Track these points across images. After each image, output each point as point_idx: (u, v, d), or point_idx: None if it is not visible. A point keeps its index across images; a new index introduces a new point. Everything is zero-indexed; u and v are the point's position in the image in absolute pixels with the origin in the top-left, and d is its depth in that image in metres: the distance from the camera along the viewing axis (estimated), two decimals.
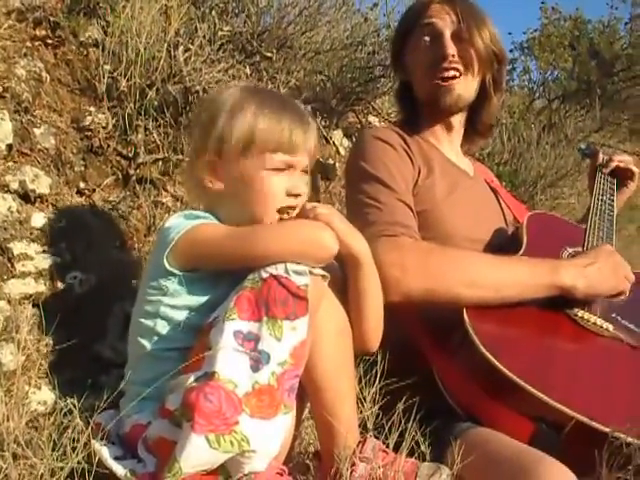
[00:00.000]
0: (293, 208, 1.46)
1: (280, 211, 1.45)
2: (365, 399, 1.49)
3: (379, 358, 1.50)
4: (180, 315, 1.37)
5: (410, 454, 1.40)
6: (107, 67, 2.10)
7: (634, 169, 2.23)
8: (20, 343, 1.38)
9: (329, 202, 2.63)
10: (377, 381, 1.50)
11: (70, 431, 1.24)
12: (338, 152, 3.03)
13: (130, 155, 2.09)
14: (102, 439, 1.28)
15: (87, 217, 1.90)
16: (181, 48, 2.23)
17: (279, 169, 1.45)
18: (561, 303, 1.69)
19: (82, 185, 1.93)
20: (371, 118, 3.26)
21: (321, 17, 2.84)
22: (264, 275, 1.29)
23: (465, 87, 1.92)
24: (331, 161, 2.94)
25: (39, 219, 1.78)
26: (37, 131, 1.88)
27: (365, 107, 3.24)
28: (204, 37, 2.33)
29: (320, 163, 2.83)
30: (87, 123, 2.01)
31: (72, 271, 1.78)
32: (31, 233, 1.75)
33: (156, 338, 1.38)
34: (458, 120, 1.99)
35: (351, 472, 1.37)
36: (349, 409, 1.43)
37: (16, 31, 2.00)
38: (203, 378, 1.22)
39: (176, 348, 1.35)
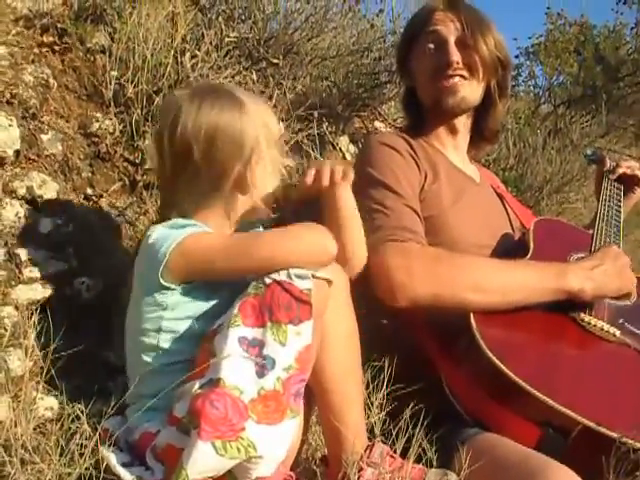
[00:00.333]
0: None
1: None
2: (372, 404, 1.48)
3: (386, 364, 1.50)
4: (183, 326, 1.36)
5: (417, 460, 1.40)
6: (114, 73, 2.10)
7: None
8: (27, 349, 1.39)
9: None
10: (384, 387, 1.49)
11: (78, 437, 1.24)
12: (344, 158, 3.03)
13: (137, 161, 2.09)
14: (110, 445, 1.28)
15: (94, 223, 1.90)
16: (188, 54, 2.24)
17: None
18: (568, 308, 1.69)
19: (89, 191, 1.93)
20: (377, 124, 3.26)
21: (327, 23, 2.85)
22: (267, 281, 1.29)
23: (469, 90, 1.92)
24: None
25: (46, 225, 1.78)
26: (44, 137, 1.88)
27: (371, 113, 3.24)
28: (211, 43, 2.34)
29: None
30: (94, 129, 2.01)
31: (79, 277, 1.78)
32: (38, 239, 1.75)
33: (160, 353, 1.37)
34: (462, 123, 2.00)
35: (358, 477, 1.37)
36: (357, 414, 1.43)
37: (24, 38, 2.00)
38: (208, 385, 1.22)
39: (181, 361, 1.34)
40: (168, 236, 1.37)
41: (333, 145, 2.99)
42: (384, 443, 1.43)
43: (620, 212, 2.09)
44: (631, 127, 4.91)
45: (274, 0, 2.76)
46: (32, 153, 1.84)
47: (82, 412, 1.28)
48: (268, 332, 1.26)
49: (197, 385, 1.23)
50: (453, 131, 1.99)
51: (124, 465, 1.26)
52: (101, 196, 1.95)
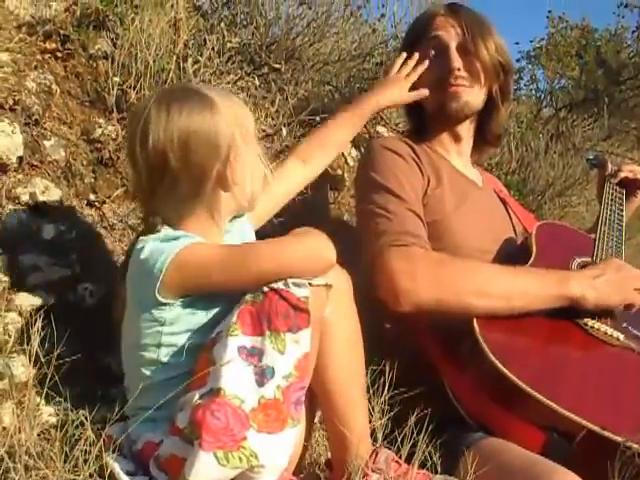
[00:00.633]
0: None
1: None
2: (373, 409, 1.48)
3: (387, 368, 1.49)
4: (182, 339, 1.34)
5: (422, 465, 1.40)
6: (116, 79, 2.11)
7: None
8: (31, 355, 1.38)
9: (338, 213, 2.63)
10: (385, 391, 1.49)
11: (82, 443, 1.24)
12: (347, 162, 3.02)
13: None
14: (114, 451, 1.28)
15: (97, 229, 1.90)
16: (190, 60, 2.24)
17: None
18: (571, 312, 1.69)
19: (92, 197, 1.93)
20: (379, 128, 3.26)
21: (329, 28, 2.85)
22: (265, 289, 1.28)
23: (472, 96, 1.93)
24: (340, 172, 2.94)
25: (49, 231, 1.78)
26: (47, 143, 1.89)
27: (373, 117, 3.24)
28: (213, 49, 2.34)
29: (329, 174, 2.83)
30: (97, 135, 2.01)
31: (82, 282, 1.78)
32: (41, 245, 1.75)
33: (160, 367, 1.35)
34: (466, 129, 2.00)
35: None
36: (361, 418, 1.43)
37: (26, 44, 2.01)
38: (209, 395, 1.22)
39: (181, 374, 1.32)
40: (161, 250, 1.33)
41: None
42: (388, 448, 1.43)
43: (622, 216, 2.09)
44: (633, 130, 4.90)
45: (276, 5, 2.76)
46: (35, 159, 1.84)
47: (86, 418, 1.27)
48: (267, 341, 1.25)
49: (197, 395, 1.23)
50: (457, 138, 2.00)
51: (128, 473, 1.25)
52: (104, 202, 1.95)
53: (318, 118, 2.50)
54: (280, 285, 1.28)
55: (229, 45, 2.48)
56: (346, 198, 2.83)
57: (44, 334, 1.45)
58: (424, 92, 1.96)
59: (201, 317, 1.35)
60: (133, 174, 1.48)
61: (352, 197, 2.64)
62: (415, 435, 1.39)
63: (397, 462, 1.40)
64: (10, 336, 1.56)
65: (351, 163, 2.95)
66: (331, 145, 1.94)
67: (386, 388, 1.49)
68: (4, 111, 1.82)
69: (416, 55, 2.00)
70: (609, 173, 2.26)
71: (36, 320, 1.40)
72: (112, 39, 2.20)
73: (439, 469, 1.40)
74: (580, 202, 3.83)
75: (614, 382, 1.61)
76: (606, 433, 1.42)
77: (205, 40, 2.40)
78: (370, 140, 2.96)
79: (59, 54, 2.08)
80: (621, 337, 1.68)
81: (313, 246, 1.35)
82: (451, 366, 1.63)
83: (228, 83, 2.34)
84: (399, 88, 1.99)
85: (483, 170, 2.25)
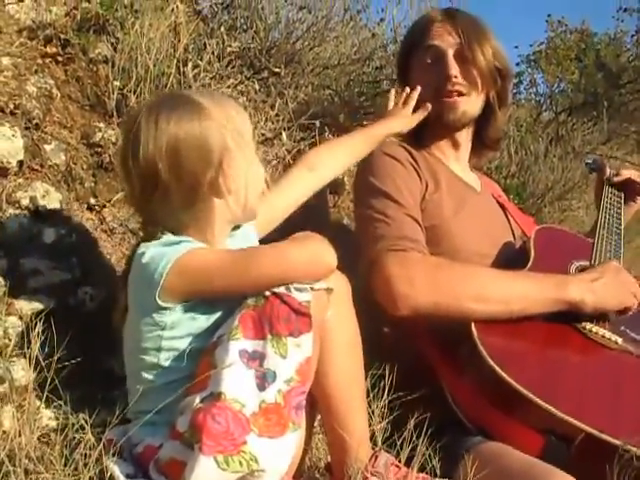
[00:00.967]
0: None
1: None
2: (373, 413, 1.48)
3: (387, 372, 1.50)
4: (183, 343, 1.34)
5: (421, 469, 1.40)
6: (117, 83, 2.11)
7: None
8: (31, 359, 1.38)
9: (338, 217, 2.63)
10: (385, 395, 1.50)
11: (82, 447, 1.24)
12: None
13: None
14: (114, 455, 1.28)
15: (97, 232, 1.91)
16: (190, 64, 2.24)
17: None
18: (570, 316, 1.69)
19: (92, 201, 1.94)
20: None
21: (329, 32, 2.85)
22: (266, 293, 1.28)
23: (469, 104, 1.94)
24: (340, 176, 2.94)
25: (50, 235, 1.78)
26: (48, 147, 1.89)
27: (373, 121, 3.24)
28: (213, 53, 2.34)
29: None
30: (97, 139, 2.02)
31: (83, 286, 1.78)
32: (42, 249, 1.76)
33: (161, 371, 1.35)
34: (464, 136, 2.01)
35: None
36: (361, 422, 1.43)
37: (27, 48, 2.01)
38: (209, 398, 1.22)
39: (182, 378, 1.32)
40: (163, 255, 1.33)
41: None
42: (388, 452, 1.43)
43: (621, 220, 2.10)
44: (633, 134, 4.91)
45: (276, 10, 2.77)
46: (35, 163, 1.84)
47: (86, 422, 1.27)
48: (268, 345, 1.25)
49: (198, 399, 1.23)
50: (455, 144, 2.01)
51: (128, 476, 1.25)
52: (104, 206, 1.95)
53: (318, 122, 2.50)
54: (282, 289, 1.28)
55: (229, 49, 2.49)
56: (346, 202, 2.84)
57: (44, 338, 1.45)
58: (427, 107, 1.95)
59: (202, 321, 1.35)
60: (127, 186, 1.47)
61: (352, 201, 2.65)
62: (414, 439, 1.39)
63: (396, 466, 1.40)
64: (10, 340, 1.56)
65: (351, 167, 2.96)
66: (340, 152, 1.88)
67: (386, 392, 1.49)
68: (5, 115, 1.82)
69: (407, 89, 2.00)
70: (607, 177, 2.26)
71: (36, 324, 1.40)
72: (112, 43, 2.20)
73: (438, 473, 1.40)
74: (580, 206, 3.83)
75: (612, 385, 1.61)
76: (604, 436, 1.43)
77: (205, 44, 2.40)
78: None
79: (59, 58, 2.08)
80: (619, 340, 1.69)
81: (315, 251, 1.35)
82: (450, 370, 1.63)
83: (228, 87, 2.34)
84: (401, 116, 1.98)
85: (482, 174, 2.25)
